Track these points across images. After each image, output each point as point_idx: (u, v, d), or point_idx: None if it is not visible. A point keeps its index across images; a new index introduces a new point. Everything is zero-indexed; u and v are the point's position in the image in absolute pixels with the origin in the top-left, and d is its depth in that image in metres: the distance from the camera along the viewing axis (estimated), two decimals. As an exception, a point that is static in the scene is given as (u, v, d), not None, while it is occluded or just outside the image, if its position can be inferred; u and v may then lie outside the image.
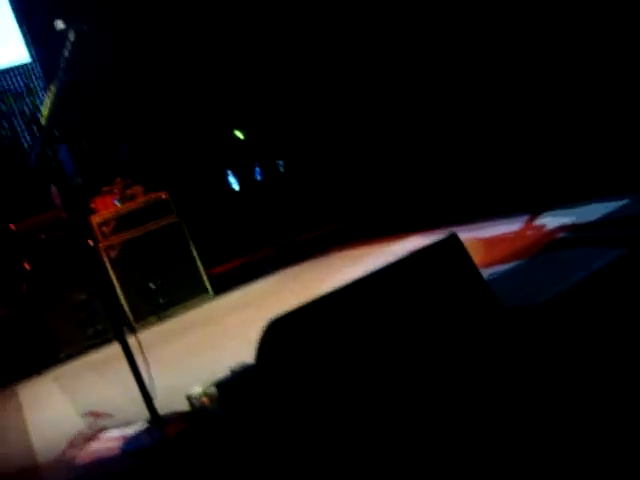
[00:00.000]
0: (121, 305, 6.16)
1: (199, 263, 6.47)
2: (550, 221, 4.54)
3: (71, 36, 3.24)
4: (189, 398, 3.30)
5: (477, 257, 4.14)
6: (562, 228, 4.25)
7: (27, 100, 7.85)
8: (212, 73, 8.53)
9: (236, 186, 8.99)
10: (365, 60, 7.85)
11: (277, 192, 8.89)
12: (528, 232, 4.50)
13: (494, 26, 6.37)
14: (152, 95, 8.21)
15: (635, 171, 4.61)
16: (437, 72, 7.17)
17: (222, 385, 3.10)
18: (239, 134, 8.91)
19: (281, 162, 8.98)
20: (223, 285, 6.72)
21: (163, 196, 6.57)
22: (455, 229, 5.24)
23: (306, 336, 2.53)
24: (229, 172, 8.98)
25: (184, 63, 8.34)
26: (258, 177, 8.99)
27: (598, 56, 5.52)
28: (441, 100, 7.20)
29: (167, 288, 6.32)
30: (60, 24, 3.25)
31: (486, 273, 3.75)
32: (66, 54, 3.23)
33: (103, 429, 3.55)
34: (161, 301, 6.27)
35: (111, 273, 6.20)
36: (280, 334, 2.52)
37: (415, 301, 2.66)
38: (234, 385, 3.13)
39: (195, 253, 6.48)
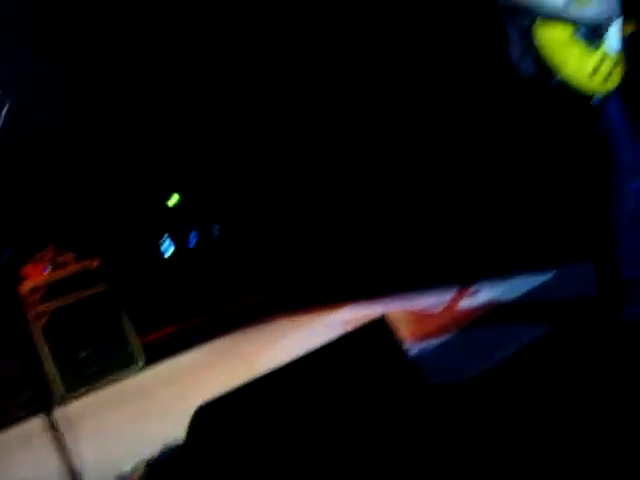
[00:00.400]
0: (48, 375, 6.01)
1: (130, 332, 6.39)
2: (478, 294, 4.64)
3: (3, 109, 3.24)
4: (119, 476, 3.24)
5: (407, 330, 4.25)
6: (490, 303, 4.35)
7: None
8: (146, 138, 8.53)
9: (170, 252, 8.95)
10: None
11: (211, 259, 8.87)
12: (456, 305, 4.59)
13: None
14: (87, 160, 8.16)
15: (560, 247, 4.78)
16: (357, 147, 7.38)
17: (152, 465, 3.05)
18: (174, 199, 8.90)
19: (217, 226, 8.98)
20: (155, 354, 6.63)
21: (95, 264, 6.49)
22: (387, 299, 5.39)
23: (234, 421, 2.53)
24: (164, 238, 8.95)
25: (117, 128, 8.32)
26: (191, 244, 8.98)
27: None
28: (370, 174, 7.38)
29: (97, 357, 6.21)
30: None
31: (415, 348, 3.83)
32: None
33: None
34: (91, 371, 6.15)
35: (41, 341, 6.07)
36: (209, 419, 2.51)
37: (341, 385, 2.68)
38: (164, 465, 3.09)
39: (126, 321, 6.39)
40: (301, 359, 2.68)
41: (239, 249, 8.72)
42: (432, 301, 4.91)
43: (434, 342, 3.87)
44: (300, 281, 7.76)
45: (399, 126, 6.98)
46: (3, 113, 3.26)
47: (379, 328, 2.85)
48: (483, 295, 4.59)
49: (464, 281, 5.05)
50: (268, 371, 2.66)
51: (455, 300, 4.71)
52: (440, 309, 4.64)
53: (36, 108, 6.56)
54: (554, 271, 4.47)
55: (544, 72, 2.89)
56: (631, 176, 3.08)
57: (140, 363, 6.37)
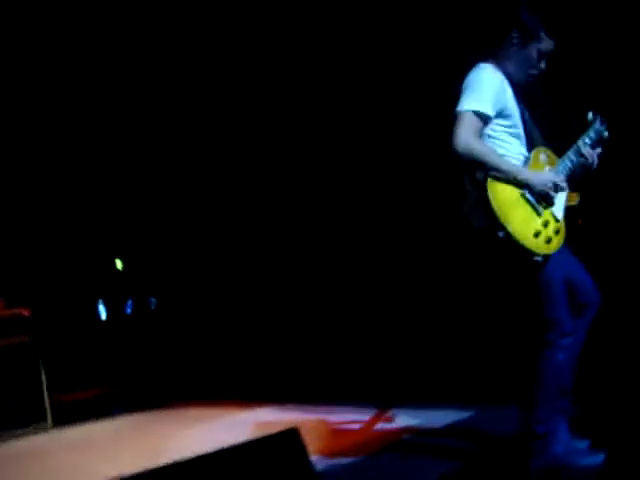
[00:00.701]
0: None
1: (45, 389, 6.22)
2: (398, 419, 4.70)
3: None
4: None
5: (321, 443, 4.26)
6: (406, 430, 4.40)
7: None
8: (94, 201, 8.56)
9: (104, 315, 8.85)
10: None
11: (144, 329, 8.80)
12: (374, 426, 4.62)
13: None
14: (29, 217, 8.14)
15: (487, 387, 4.91)
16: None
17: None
18: (119, 263, 8.88)
19: (154, 299, 8.95)
20: (69, 416, 6.46)
21: (24, 313, 6.37)
22: (304, 408, 5.40)
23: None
24: (100, 301, 8.86)
25: (60, 189, 8.34)
26: (128, 310, 8.90)
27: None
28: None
29: (6, 409, 6.02)
30: None
31: (326, 463, 3.83)
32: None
33: None
34: (-4, 422, 5.95)
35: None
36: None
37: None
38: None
39: (44, 377, 6.23)
40: (206, 456, 2.67)
41: (175, 324, 8.68)
42: (349, 418, 4.92)
43: (344, 461, 3.88)
44: (227, 370, 7.74)
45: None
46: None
47: (290, 438, 2.86)
48: (401, 421, 4.64)
49: (384, 404, 5.11)
50: (171, 462, 2.64)
51: (372, 421, 4.74)
52: (356, 427, 4.67)
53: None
54: (474, 410, 4.57)
55: (493, 224, 3.05)
56: (561, 333, 3.23)
57: (49, 422, 6.18)
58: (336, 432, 4.61)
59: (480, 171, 3.11)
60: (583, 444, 3.41)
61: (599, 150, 3.40)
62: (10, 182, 7.75)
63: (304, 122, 7.43)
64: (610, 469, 3.18)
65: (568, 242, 3.32)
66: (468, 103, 3.13)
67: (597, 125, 3.48)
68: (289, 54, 7.13)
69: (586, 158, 3.35)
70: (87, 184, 8.44)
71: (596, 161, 3.38)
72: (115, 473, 2.39)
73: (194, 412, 6.13)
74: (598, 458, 3.25)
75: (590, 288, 3.37)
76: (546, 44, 3.29)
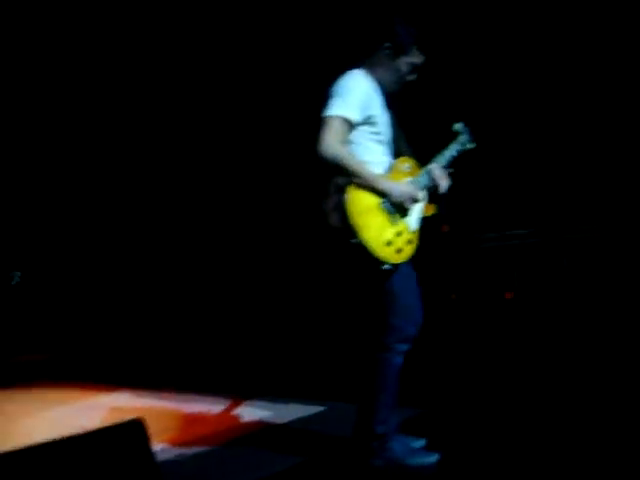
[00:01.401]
0: None
1: None
2: (250, 411, 4.76)
3: None
4: None
5: (172, 433, 4.26)
6: (259, 421, 4.47)
7: None
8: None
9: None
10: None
11: (6, 305, 8.49)
12: (226, 417, 4.66)
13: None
14: None
15: (339, 384, 5.04)
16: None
17: None
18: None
19: (18, 273, 8.65)
20: None
21: None
22: (163, 395, 5.39)
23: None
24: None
25: None
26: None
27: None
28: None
29: None
30: None
31: (177, 452, 3.85)
32: None
33: None
34: None
35: None
36: None
37: (85, 476, 2.66)
38: None
39: None
40: (46, 445, 2.64)
41: (34, 303, 8.43)
42: (204, 408, 4.95)
43: (192, 450, 3.90)
44: (83, 353, 7.60)
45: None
46: None
47: (133, 429, 2.87)
48: (253, 413, 4.70)
49: (238, 395, 5.17)
50: (7, 450, 2.59)
51: (225, 412, 4.79)
52: (209, 417, 4.70)
53: None
54: (324, 406, 4.69)
55: (347, 229, 3.14)
56: (401, 338, 3.35)
57: None
58: (187, 421, 4.62)
59: (342, 176, 3.18)
60: (419, 444, 3.58)
61: (450, 170, 3.54)
62: None
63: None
64: (444, 468, 3.35)
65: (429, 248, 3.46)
66: (335, 108, 3.18)
67: (463, 136, 3.62)
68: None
69: (435, 180, 3.45)
70: None
71: (444, 185, 3.47)
72: None
73: (49, 394, 5.99)
74: (433, 458, 3.41)
75: (419, 309, 3.47)
76: (416, 58, 3.40)
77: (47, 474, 2.61)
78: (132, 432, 2.87)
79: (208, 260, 7.75)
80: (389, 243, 3.19)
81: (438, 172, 3.45)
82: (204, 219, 7.87)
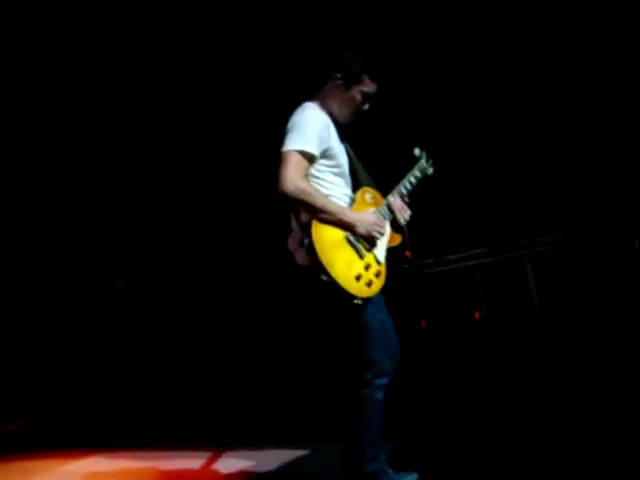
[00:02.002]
0: None
1: None
2: (231, 462, 4.62)
3: None
4: None
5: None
6: (241, 472, 4.34)
7: None
8: None
9: None
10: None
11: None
12: (208, 471, 4.52)
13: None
14: None
15: (318, 426, 4.95)
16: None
17: None
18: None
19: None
20: None
21: None
22: (139, 454, 5.22)
23: None
24: None
25: None
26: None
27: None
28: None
29: None
30: None
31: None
32: None
33: None
34: None
35: None
36: None
37: None
38: None
39: None
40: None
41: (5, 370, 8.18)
42: (182, 463, 4.81)
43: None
44: (55, 420, 7.40)
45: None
46: None
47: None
48: (235, 464, 4.57)
49: (218, 447, 5.03)
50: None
51: (206, 466, 4.64)
52: (189, 472, 4.56)
53: None
54: (306, 449, 4.58)
55: (316, 266, 3.06)
56: (378, 373, 3.27)
57: None
58: (171, 478, 4.48)
59: (305, 212, 3.11)
60: (412, 477, 3.48)
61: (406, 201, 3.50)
62: None
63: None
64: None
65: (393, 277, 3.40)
66: (293, 143, 3.12)
67: (423, 162, 3.59)
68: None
69: (395, 212, 3.41)
70: None
71: (405, 216, 3.44)
72: None
73: (26, 464, 5.78)
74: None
75: (395, 343, 3.43)
76: (369, 87, 3.35)
77: None
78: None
79: (177, 307, 7.60)
80: (359, 277, 3.13)
81: (397, 204, 3.41)
82: (165, 266, 7.76)
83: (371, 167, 3.59)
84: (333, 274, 3.04)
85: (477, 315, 6.33)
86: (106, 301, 8.23)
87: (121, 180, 7.89)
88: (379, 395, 3.28)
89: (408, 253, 6.38)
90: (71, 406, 7.55)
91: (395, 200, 3.41)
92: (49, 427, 7.18)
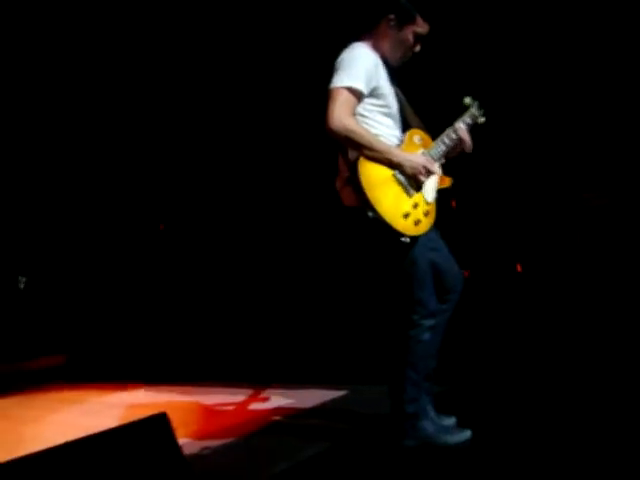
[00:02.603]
0: None
1: None
2: (272, 399, 4.70)
3: None
4: None
5: (194, 426, 4.19)
6: (281, 409, 4.41)
7: None
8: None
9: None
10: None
11: (12, 309, 8.43)
12: (248, 407, 4.60)
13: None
14: None
15: (359, 367, 4.99)
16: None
17: None
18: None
19: (24, 279, 8.58)
20: None
21: None
22: (180, 389, 5.32)
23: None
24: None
25: None
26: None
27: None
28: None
29: None
30: None
31: (201, 445, 3.78)
32: None
33: None
34: None
35: None
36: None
37: (113, 475, 2.60)
38: None
39: None
40: (70, 445, 2.57)
41: (44, 306, 8.38)
42: (223, 399, 4.89)
43: (217, 443, 3.83)
44: (97, 349, 7.56)
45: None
46: None
47: (158, 423, 2.80)
48: (275, 402, 4.64)
49: (259, 384, 5.11)
50: (33, 452, 2.53)
51: (246, 403, 4.72)
52: (230, 409, 4.63)
53: None
54: (346, 390, 4.62)
55: (362, 204, 3.05)
56: (426, 314, 3.27)
57: None
58: (210, 414, 4.56)
59: (353, 149, 3.09)
60: (450, 421, 3.50)
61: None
62: None
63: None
64: (478, 445, 3.28)
65: (440, 224, 3.37)
66: (341, 80, 3.08)
67: (474, 110, 3.54)
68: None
69: (461, 141, 3.40)
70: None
71: (470, 145, 3.43)
72: None
73: (62, 395, 5.94)
74: (466, 435, 3.33)
75: (455, 274, 3.42)
76: (422, 27, 3.30)
77: (76, 474, 2.54)
78: (157, 427, 2.80)
79: (221, 248, 7.66)
80: (406, 215, 3.11)
81: (462, 131, 3.39)
82: (213, 207, 7.79)
83: (421, 113, 3.55)
84: (380, 211, 3.02)
85: (519, 268, 6.28)
86: (149, 243, 8.35)
87: (166, 127, 7.94)
88: (427, 336, 3.27)
89: (454, 203, 6.33)
90: (112, 341, 7.71)
91: (460, 128, 3.39)
92: (88, 361, 7.34)
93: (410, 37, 3.30)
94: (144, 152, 8.11)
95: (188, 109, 7.62)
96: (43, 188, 8.24)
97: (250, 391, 4.96)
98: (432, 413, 3.41)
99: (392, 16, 3.27)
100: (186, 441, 3.84)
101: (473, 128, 3.53)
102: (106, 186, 8.29)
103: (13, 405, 5.88)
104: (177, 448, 2.81)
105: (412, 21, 3.27)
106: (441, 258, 3.37)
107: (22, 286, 8.64)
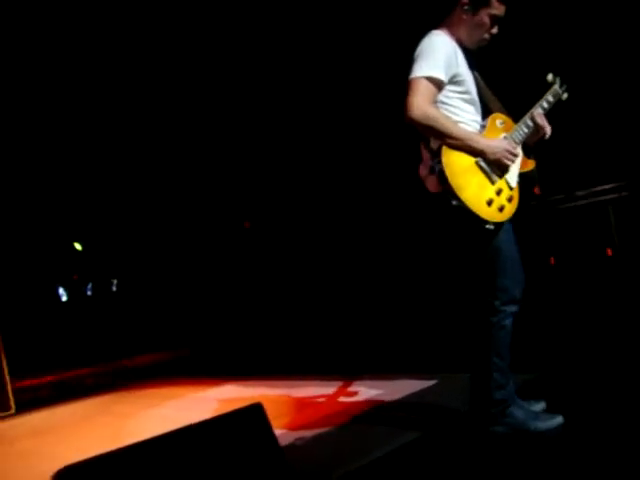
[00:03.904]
0: None
1: (6, 375, 6.15)
2: (361, 391, 4.73)
3: None
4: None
5: (289, 417, 4.27)
6: (372, 400, 4.44)
7: None
8: (51, 186, 8.47)
9: (64, 297, 8.77)
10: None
11: (106, 310, 8.74)
12: (339, 399, 4.65)
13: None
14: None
15: (444, 357, 4.98)
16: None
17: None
18: (77, 246, 8.79)
19: (115, 281, 8.89)
20: (31, 401, 6.43)
21: (-18, 300, 6.29)
22: (270, 382, 5.42)
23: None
24: (60, 284, 8.78)
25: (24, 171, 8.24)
26: (88, 292, 8.83)
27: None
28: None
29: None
30: None
31: (293, 436, 3.85)
32: None
33: None
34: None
35: None
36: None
37: (211, 464, 2.68)
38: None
39: (5, 364, 6.16)
40: (170, 435, 2.67)
41: (137, 305, 8.65)
42: (313, 392, 4.96)
43: (309, 434, 3.90)
44: (193, 347, 7.74)
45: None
46: None
47: (254, 414, 2.87)
48: (364, 393, 4.67)
49: (348, 376, 5.15)
50: (136, 441, 2.63)
51: (337, 394, 4.77)
52: (321, 400, 4.69)
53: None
54: (435, 379, 4.62)
55: (446, 191, 3.06)
56: (507, 300, 3.26)
57: (11, 409, 6.12)
58: (301, 406, 4.63)
59: (435, 138, 3.10)
60: (539, 406, 3.47)
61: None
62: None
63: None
64: (570, 429, 3.24)
65: (523, 211, 3.35)
66: (421, 69, 3.10)
67: (556, 87, 3.49)
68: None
69: (540, 127, 3.37)
70: (45, 171, 8.36)
71: (548, 130, 3.39)
72: (78, 456, 2.37)
73: (158, 391, 6.13)
74: (557, 420, 3.30)
75: (520, 271, 3.36)
76: (497, 9, 3.28)
77: (177, 462, 2.63)
78: (253, 417, 2.88)
79: (309, 242, 7.74)
80: (490, 202, 3.10)
81: (540, 117, 3.35)
82: (301, 201, 7.87)
83: (501, 96, 3.52)
84: (464, 199, 3.03)
85: (609, 252, 6.14)
86: (235, 241, 8.51)
87: (255, 127, 8.05)
88: (509, 322, 3.26)
89: (536, 189, 6.24)
90: (204, 338, 7.89)
91: (537, 114, 3.36)
92: (185, 358, 7.53)
93: (486, 20, 3.27)
94: (231, 151, 8.25)
95: (272, 110, 7.71)
96: (132, 190, 8.49)
97: (340, 383, 5.02)
98: (519, 399, 3.39)
99: (466, 0, 3.26)
100: (279, 432, 3.90)
101: (557, 105, 3.49)
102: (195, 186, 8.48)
103: (114, 401, 6.12)
104: (273, 437, 2.88)
105: (486, 4, 3.25)
106: (515, 252, 3.35)
107: (114, 289, 8.96)
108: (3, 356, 6.18)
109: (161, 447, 2.67)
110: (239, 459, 2.77)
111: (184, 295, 8.48)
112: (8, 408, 6.11)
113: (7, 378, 6.16)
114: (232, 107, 7.93)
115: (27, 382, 7.27)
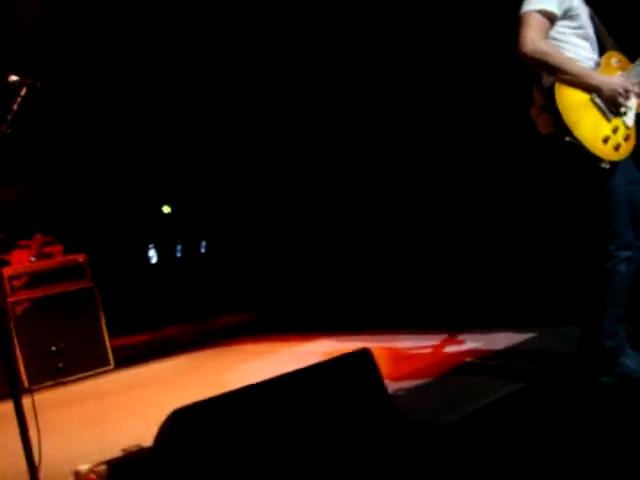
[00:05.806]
0: (16, 363, 5.92)
1: (105, 333, 6.31)
2: (462, 343, 4.68)
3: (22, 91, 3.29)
4: (76, 474, 3.17)
5: (390, 368, 4.26)
6: (473, 351, 4.40)
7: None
8: (144, 149, 8.61)
9: (154, 259, 8.95)
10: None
11: (196, 272, 8.88)
12: (441, 351, 4.61)
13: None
14: (83, 167, 8.22)
15: (548, 307, 4.86)
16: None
17: (114, 464, 3.00)
18: (166, 209, 8.94)
19: (204, 242, 9.01)
20: (127, 358, 6.58)
21: (80, 259, 6.42)
22: (373, 336, 5.40)
23: (208, 430, 2.50)
24: (150, 245, 8.96)
25: (114, 136, 8.39)
26: (178, 254, 8.99)
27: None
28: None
29: (69, 353, 6.12)
30: (13, 77, 3.29)
31: (395, 386, 3.84)
32: (15, 107, 3.27)
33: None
34: (60, 366, 6.06)
35: (16, 328, 5.98)
36: (182, 425, 2.48)
37: (320, 409, 2.68)
38: (127, 466, 3.04)
39: (103, 322, 6.33)
40: (279, 379, 2.67)
41: (225, 265, 8.75)
42: (414, 343, 4.93)
43: (414, 383, 3.88)
44: (282, 304, 7.78)
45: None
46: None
47: (362, 359, 2.86)
48: (466, 345, 4.63)
49: (449, 329, 5.08)
50: (245, 385, 2.65)
51: (441, 345, 4.73)
52: (423, 352, 4.67)
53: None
54: (537, 330, 4.53)
55: (559, 129, 2.95)
56: (621, 245, 3.13)
57: (111, 365, 6.30)
58: (403, 357, 4.61)
59: (548, 74, 2.99)
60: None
61: None
62: (67, 133, 7.87)
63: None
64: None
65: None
66: (532, 3, 2.99)
67: None
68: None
69: None
70: (135, 135, 8.51)
71: None
72: (177, 404, 2.39)
73: (251, 347, 6.19)
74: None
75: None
76: None
77: (284, 406, 2.64)
78: (361, 362, 2.86)
79: (413, 194, 7.56)
80: (606, 139, 2.97)
81: None
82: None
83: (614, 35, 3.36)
84: (578, 135, 2.91)
85: None
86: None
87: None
88: (623, 268, 3.13)
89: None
90: (297, 294, 7.91)
91: None
92: (276, 315, 7.58)
93: None
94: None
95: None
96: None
97: (442, 336, 4.96)
98: (630, 350, 3.27)
99: None
100: (382, 382, 3.90)
101: None
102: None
103: (208, 357, 6.21)
104: (382, 383, 2.86)
105: None
106: (638, 194, 3.21)
107: (203, 250, 9.09)
108: (102, 314, 6.35)
109: (270, 391, 2.67)
110: (348, 404, 2.75)
111: (272, 254, 8.53)
112: (108, 363, 6.29)
113: (106, 335, 6.32)
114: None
115: (122, 340, 7.44)
